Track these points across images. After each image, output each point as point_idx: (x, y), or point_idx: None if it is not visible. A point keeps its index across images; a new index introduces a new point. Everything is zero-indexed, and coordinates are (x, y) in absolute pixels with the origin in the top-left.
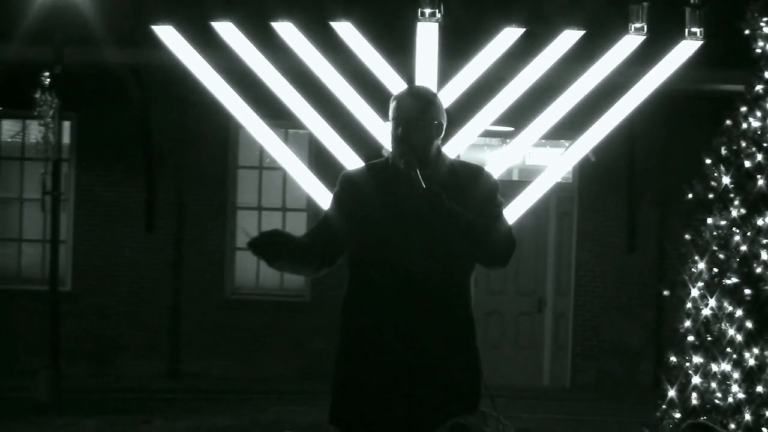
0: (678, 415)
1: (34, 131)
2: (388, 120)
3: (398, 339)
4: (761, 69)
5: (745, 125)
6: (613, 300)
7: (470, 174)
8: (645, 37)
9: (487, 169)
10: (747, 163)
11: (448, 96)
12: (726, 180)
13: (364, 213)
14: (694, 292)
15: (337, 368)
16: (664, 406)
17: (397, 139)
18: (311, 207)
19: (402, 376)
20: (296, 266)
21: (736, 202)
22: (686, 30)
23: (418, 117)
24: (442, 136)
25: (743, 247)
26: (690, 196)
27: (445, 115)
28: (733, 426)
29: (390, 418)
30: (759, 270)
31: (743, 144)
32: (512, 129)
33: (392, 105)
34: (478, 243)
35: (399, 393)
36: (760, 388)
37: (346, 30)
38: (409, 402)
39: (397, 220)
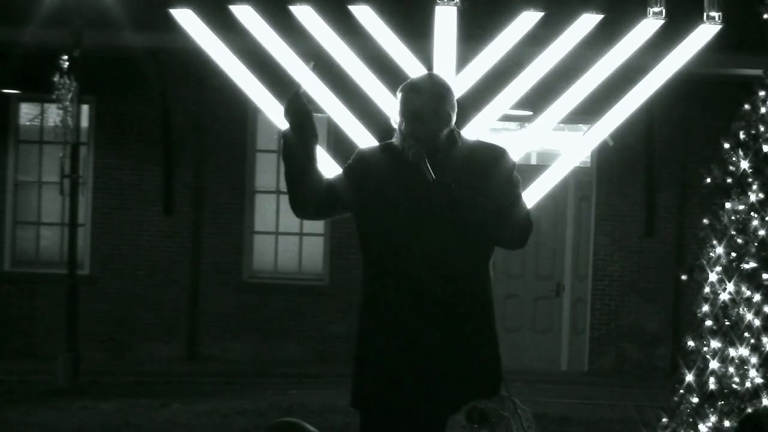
0: (695, 400)
1: (53, 115)
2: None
3: (418, 323)
4: None
5: (763, 110)
6: (631, 284)
7: (490, 155)
8: (663, 21)
9: (506, 148)
10: (765, 148)
11: (466, 80)
12: (744, 164)
13: (378, 193)
14: (712, 277)
15: (358, 352)
16: (681, 391)
17: (401, 133)
18: None
19: (423, 359)
20: (305, 177)
21: (755, 187)
22: (704, 14)
23: (422, 112)
24: (452, 124)
25: (761, 232)
26: (708, 180)
27: (453, 103)
28: (750, 411)
29: (411, 402)
30: None
31: (761, 128)
32: (531, 113)
33: (398, 98)
34: (496, 227)
35: (420, 377)
36: None
37: (364, 13)
38: (429, 385)
39: (410, 203)
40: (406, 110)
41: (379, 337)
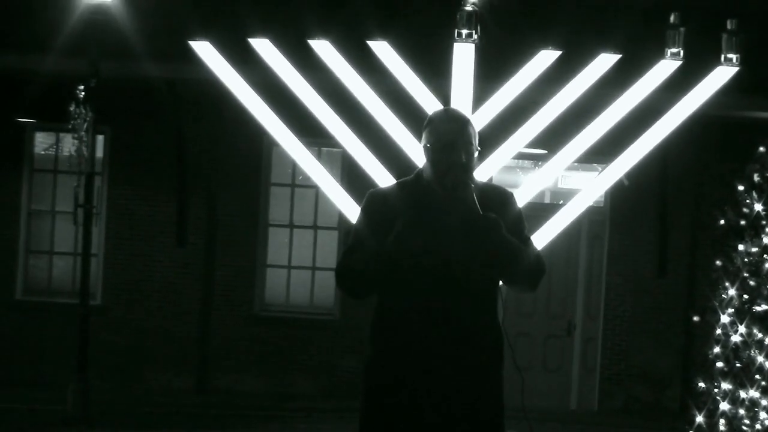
0: None
1: (68, 144)
2: (423, 143)
3: (428, 362)
4: None
5: None
6: (643, 325)
7: (500, 198)
8: (681, 62)
9: (513, 193)
10: None
11: (482, 117)
12: (758, 207)
13: (398, 236)
14: (724, 319)
15: (366, 385)
16: None
17: (439, 162)
18: (343, 225)
19: (431, 398)
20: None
21: None
22: (722, 56)
23: (457, 141)
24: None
25: None
26: (721, 222)
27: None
28: None
29: None
30: None
31: None
32: (545, 152)
33: (430, 128)
34: (517, 269)
35: (428, 414)
36: None
37: (382, 49)
38: (437, 423)
39: (432, 241)
40: (441, 140)
41: (388, 374)
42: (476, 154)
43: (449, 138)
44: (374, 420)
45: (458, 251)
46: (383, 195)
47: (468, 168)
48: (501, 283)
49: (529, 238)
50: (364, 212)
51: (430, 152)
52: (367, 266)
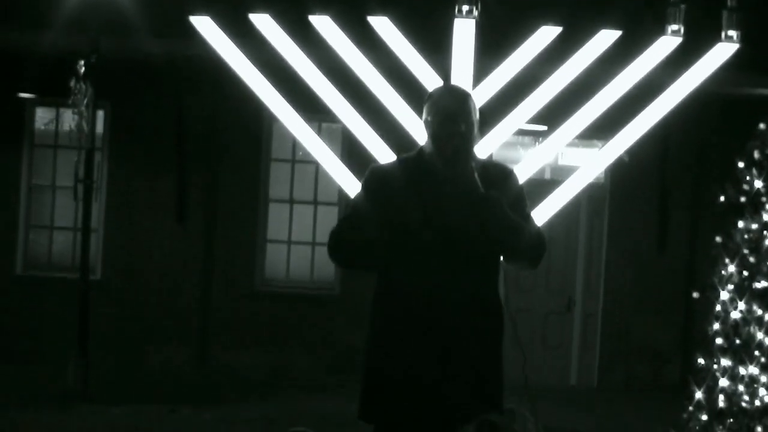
0: (705, 417)
1: (68, 119)
2: (424, 118)
3: (430, 338)
4: None
5: None
6: (643, 301)
7: (501, 174)
8: (681, 39)
9: (513, 169)
10: None
11: (483, 93)
12: (758, 184)
13: (396, 208)
14: (724, 295)
15: (367, 364)
16: (691, 408)
17: (439, 134)
18: (343, 201)
19: (432, 373)
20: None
21: None
22: (723, 33)
23: (459, 113)
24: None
25: None
26: (722, 199)
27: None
28: (759, 429)
29: (419, 415)
30: None
31: None
32: (546, 128)
33: (430, 103)
34: (518, 246)
35: (428, 390)
36: None
37: (382, 25)
38: (438, 399)
39: (434, 217)
40: (441, 113)
41: (389, 351)
42: (477, 127)
43: (449, 111)
44: (375, 398)
45: (459, 225)
46: (384, 170)
47: (468, 138)
48: (502, 259)
49: (530, 215)
50: (365, 187)
51: (431, 126)
52: (365, 238)
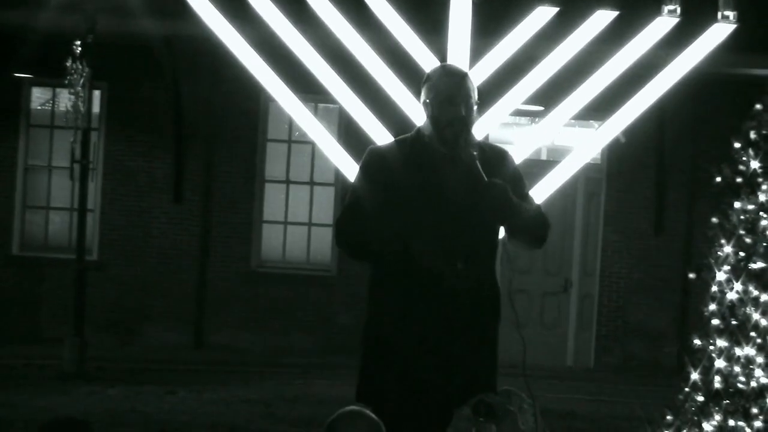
0: (701, 398)
1: (65, 100)
2: (422, 99)
3: (426, 321)
4: None
5: None
6: (639, 282)
7: (497, 157)
8: (678, 19)
9: (507, 150)
10: None
11: (479, 73)
12: (755, 164)
13: (395, 190)
14: (720, 276)
15: (365, 346)
16: (687, 389)
17: (439, 117)
18: (339, 181)
19: (429, 356)
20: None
21: (764, 187)
22: (719, 13)
23: (458, 95)
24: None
25: None
26: (718, 179)
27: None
28: (755, 410)
29: (417, 397)
30: None
31: None
32: (542, 108)
33: (429, 84)
34: (525, 228)
35: (426, 372)
36: None
37: (379, 4)
38: (435, 381)
39: (432, 201)
40: (440, 94)
41: (386, 335)
42: (476, 108)
43: (448, 92)
44: (373, 380)
45: (458, 207)
46: (383, 152)
47: (468, 122)
48: (505, 239)
49: (529, 195)
50: (363, 170)
51: (430, 107)
52: (374, 243)
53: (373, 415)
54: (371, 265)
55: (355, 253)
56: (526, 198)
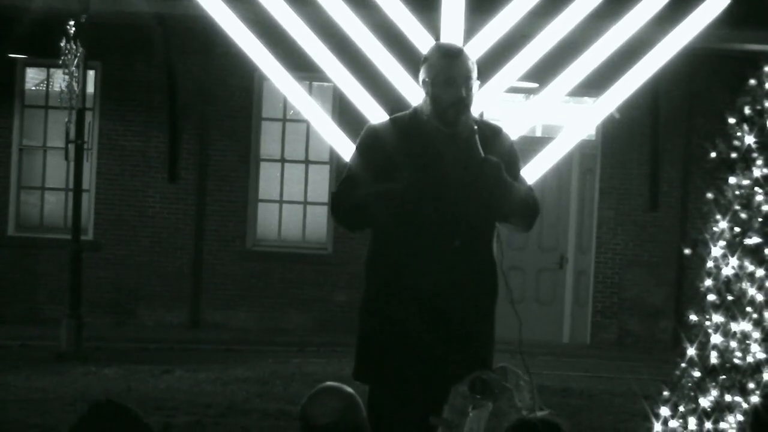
0: (697, 374)
1: (59, 80)
2: (422, 78)
3: (423, 297)
4: None
5: None
6: (635, 258)
7: (493, 134)
8: None
9: (502, 128)
10: None
11: (473, 50)
12: (749, 139)
13: (392, 168)
14: (716, 251)
15: (361, 325)
16: (683, 365)
17: (439, 98)
18: (334, 159)
19: (426, 334)
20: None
21: (759, 162)
22: None
23: (458, 76)
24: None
25: (765, 207)
26: (713, 155)
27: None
28: (752, 385)
29: (413, 375)
30: None
31: (767, 104)
32: (537, 85)
33: (428, 63)
34: (514, 209)
35: (422, 350)
36: None
37: None
38: (431, 359)
39: (431, 177)
40: (440, 75)
41: (382, 312)
42: (475, 87)
43: (449, 73)
44: (370, 358)
45: (457, 188)
46: (380, 130)
47: (469, 103)
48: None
49: (522, 177)
50: (361, 147)
51: (430, 87)
52: (372, 204)
53: (349, 390)
54: (369, 242)
55: (351, 220)
56: (518, 178)
